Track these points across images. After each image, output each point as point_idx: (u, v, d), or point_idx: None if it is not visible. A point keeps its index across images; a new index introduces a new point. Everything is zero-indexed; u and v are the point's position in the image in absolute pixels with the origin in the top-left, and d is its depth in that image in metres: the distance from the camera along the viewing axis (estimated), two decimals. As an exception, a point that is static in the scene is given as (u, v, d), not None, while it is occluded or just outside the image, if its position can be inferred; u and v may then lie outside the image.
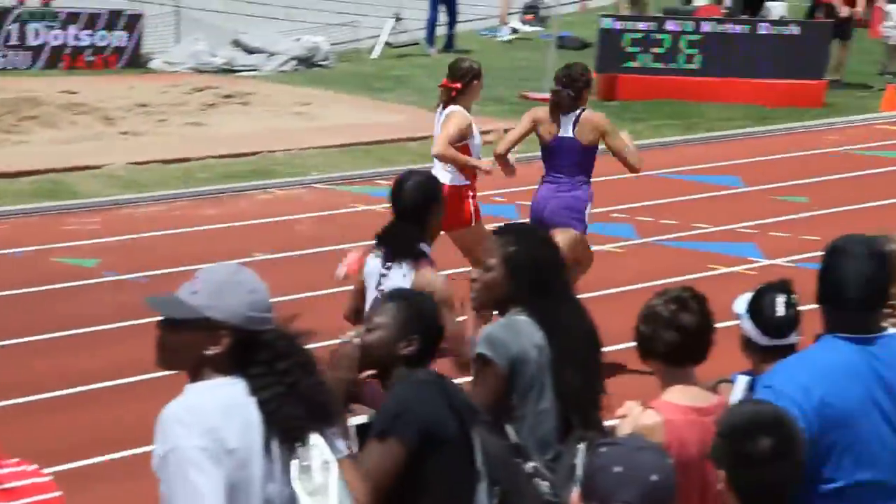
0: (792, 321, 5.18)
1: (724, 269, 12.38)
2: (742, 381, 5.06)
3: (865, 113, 20.36)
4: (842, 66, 22.27)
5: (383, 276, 6.66)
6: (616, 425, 4.86)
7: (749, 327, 5.21)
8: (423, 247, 6.70)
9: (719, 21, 20.88)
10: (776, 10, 22.59)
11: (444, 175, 9.89)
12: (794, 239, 13.36)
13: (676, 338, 4.85)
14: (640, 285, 11.12)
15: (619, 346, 6.88)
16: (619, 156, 10.06)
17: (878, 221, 13.43)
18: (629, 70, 20.26)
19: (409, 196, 6.71)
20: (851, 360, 4.53)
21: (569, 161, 9.94)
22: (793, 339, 5.17)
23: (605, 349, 5.51)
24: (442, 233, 7.90)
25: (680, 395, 4.87)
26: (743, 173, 16.30)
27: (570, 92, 9.91)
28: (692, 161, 17.02)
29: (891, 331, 4.70)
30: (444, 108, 10.39)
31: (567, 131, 9.91)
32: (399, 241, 6.68)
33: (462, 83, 10.31)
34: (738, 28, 20.49)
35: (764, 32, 20.42)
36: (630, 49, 20.25)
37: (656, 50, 20.26)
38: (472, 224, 10.18)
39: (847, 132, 19.10)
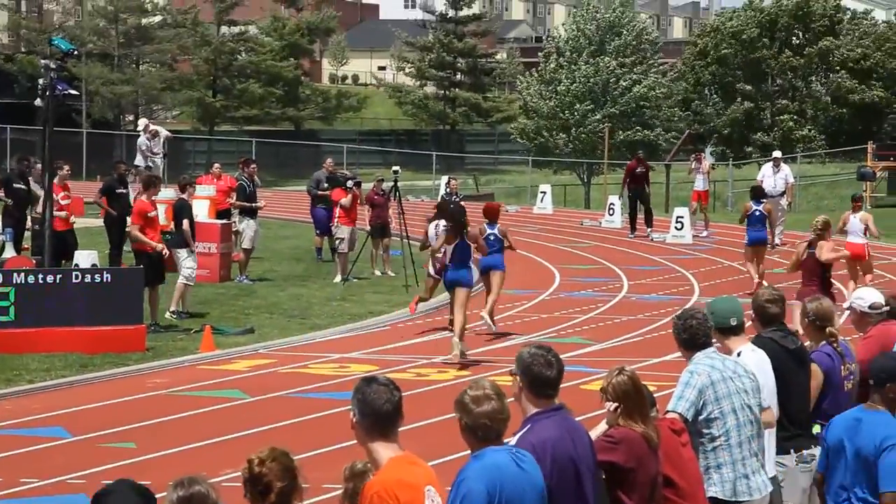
0: None
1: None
2: None
3: (186, 355, 20.77)
4: (156, 310, 22.72)
5: None
6: None
7: None
8: None
9: (30, 272, 20.68)
10: (87, 259, 22.75)
11: None
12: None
13: None
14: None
15: None
16: None
17: (206, 461, 13.67)
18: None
19: None
20: None
21: None
22: None
23: None
24: None
25: None
26: (68, 423, 16.08)
27: None
28: (15, 415, 16.62)
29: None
30: None
31: None
32: None
33: None
34: (50, 278, 20.40)
35: (76, 281, 20.44)
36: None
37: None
38: None
39: (170, 374, 19.37)
